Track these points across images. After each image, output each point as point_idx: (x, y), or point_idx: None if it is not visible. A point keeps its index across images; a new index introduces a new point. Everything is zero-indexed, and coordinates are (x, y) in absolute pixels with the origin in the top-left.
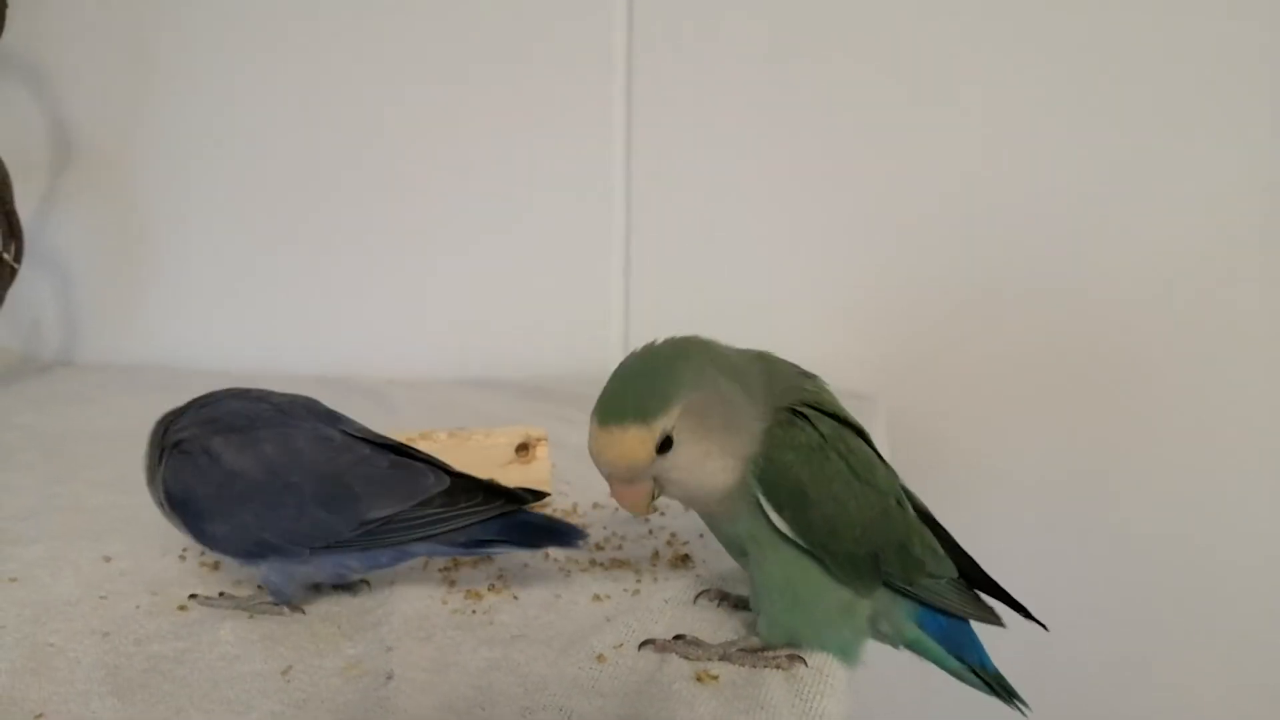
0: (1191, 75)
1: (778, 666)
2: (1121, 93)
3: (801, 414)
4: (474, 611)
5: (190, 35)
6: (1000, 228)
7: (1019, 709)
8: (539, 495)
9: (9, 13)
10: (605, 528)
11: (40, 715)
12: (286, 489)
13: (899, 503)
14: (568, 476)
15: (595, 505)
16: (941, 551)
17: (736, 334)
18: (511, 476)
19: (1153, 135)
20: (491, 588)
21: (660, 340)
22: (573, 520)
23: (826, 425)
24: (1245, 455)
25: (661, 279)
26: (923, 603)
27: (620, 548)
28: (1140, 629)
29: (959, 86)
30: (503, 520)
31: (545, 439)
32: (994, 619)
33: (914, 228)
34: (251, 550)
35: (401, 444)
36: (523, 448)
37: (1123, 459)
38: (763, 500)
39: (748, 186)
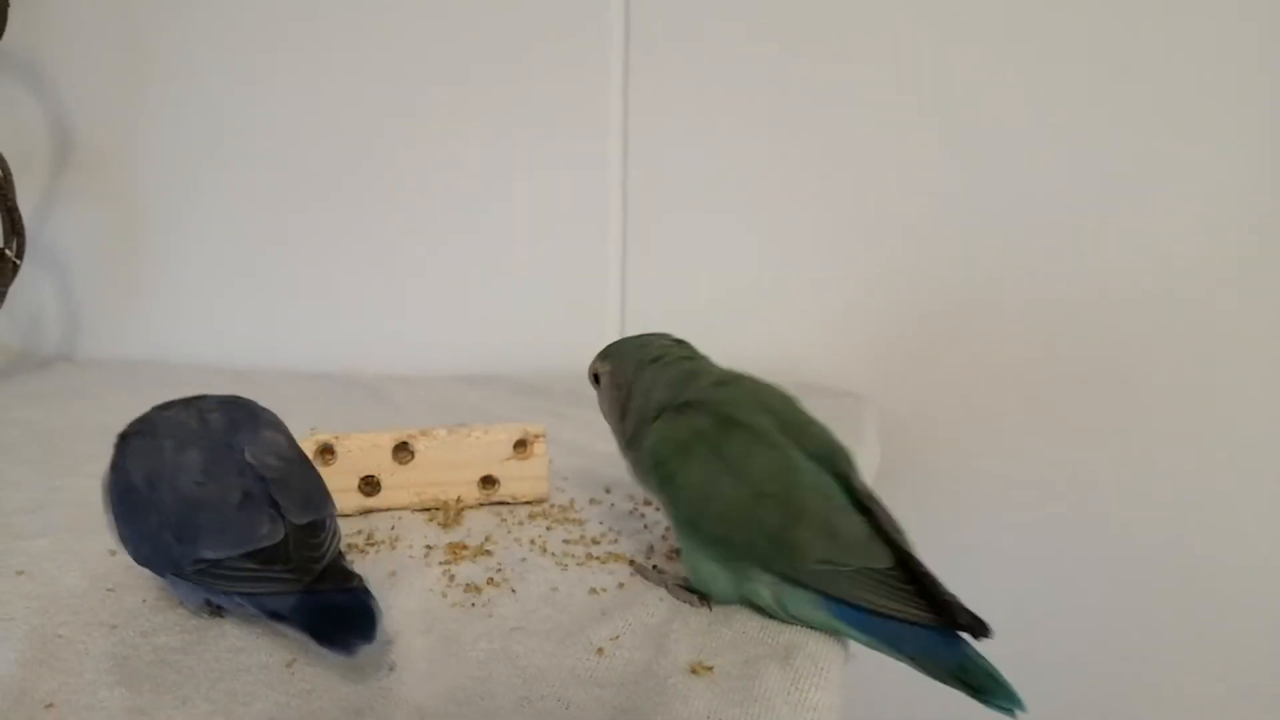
0: (1188, 78)
1: (690, 604)
2: (1116, 95)
3: (688, 405)
4: (473, 604)
5: (189, 34)
6: (993, 230)
7: (999, 708)
8: (347, 575)
9: (9, 12)
10: (602, 523)
11: (50, 705)
12: (153, 508)
13: (785, 488)
14: (565, 472)
15: (592, 501)
16: (858, 540)
17: (729, 332)
18: (510, 472)
19: (1148, 138)
20: (490, 581)
21: (673, 335)
22: (570, 515)
23: (704, 420)
24: (1238, 457)
25: (657, 279)
26: (821, 592)
27: (616, 541)
28: (1131, 629)
29: (953, 89)
30: (301, 598)
31: (543, 435)
32: (913, 615)
33: (908, 230)
34: (140, 560)
35: (275, 478)
36: (521, 444)
37: (1114, 459)
38: (651, 482)
39: (743, 188)
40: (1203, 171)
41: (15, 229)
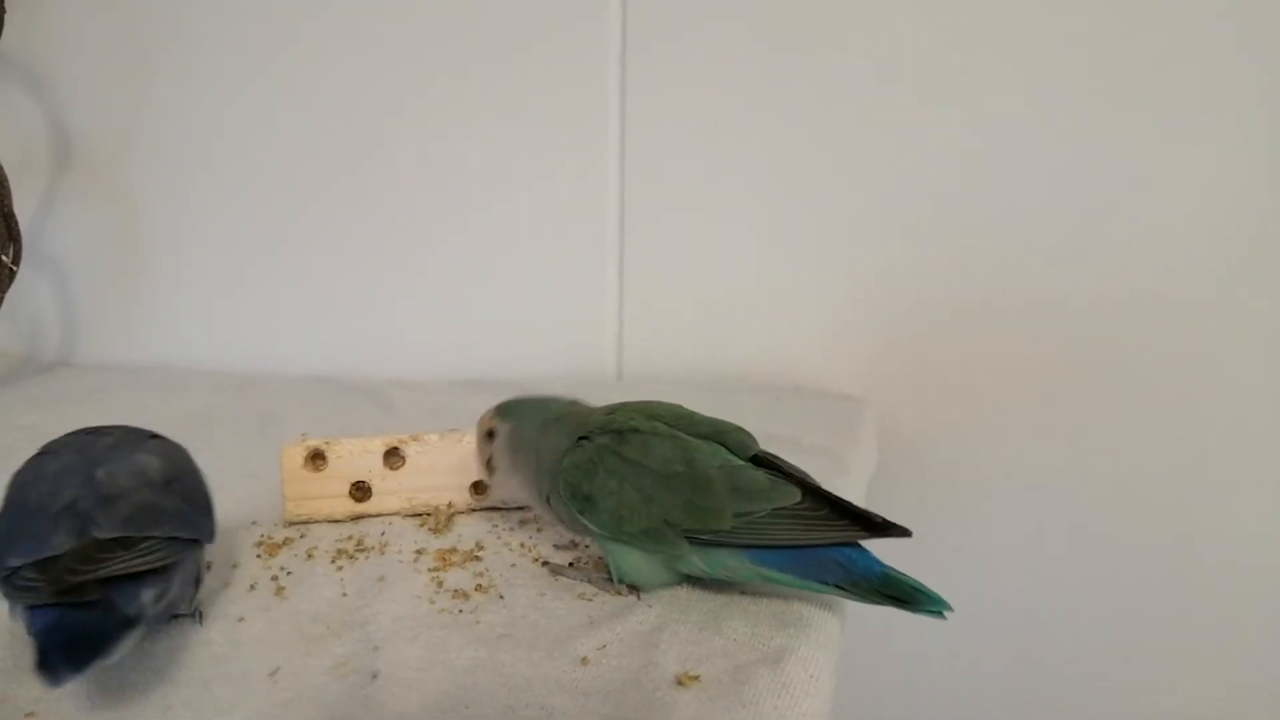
0: (1186, 80)
1: (618, 593)
2: (1113, 98)
3: (586, 438)
4: (460, 611)
5: (188, 38)
6: (991, 233)
7: (927, 613)
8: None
9: (7, 16)
10: None
11: (31, 714)
12: (2, 517)
13: (687, 465)
14: None
15: None
16: (764, 487)
17: (727, 335)
18: None
19: (1146, 140)
20: (478, 587)
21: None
22: None
23: (602, 439)
24: (1237, 458)
25: (655, 283)
26: (741, 546)
27: None
28: (1130, 629)
29: (951, 93)
30: (56, 614)
31: None
32: (831, 538)
33: (906, 233)
34: None
35: (109, 494)
36: None
37: (1112, 461)
38: (574, 511)
39: (740, 190)
40: (1201, 173)
41: (12, 235)
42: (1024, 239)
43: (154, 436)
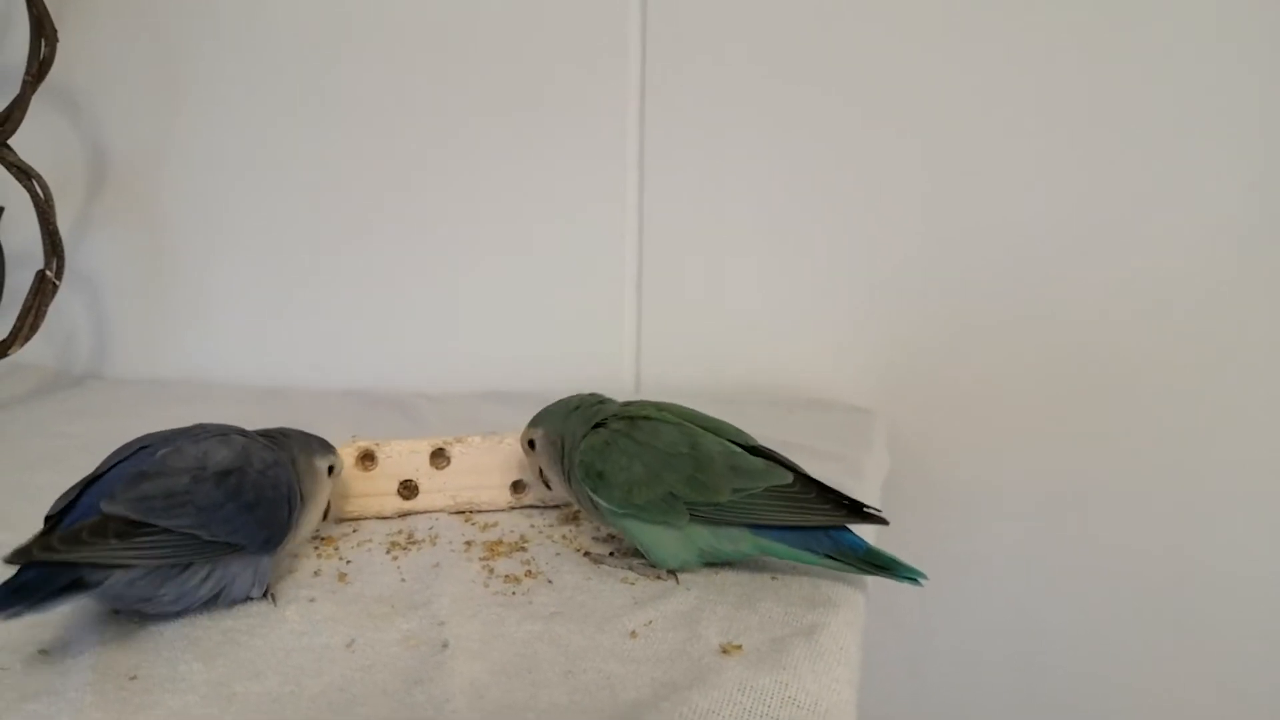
0: (1184, 99)
1: (658, 578)
2: (1114, 117)
3: (602, 424)
4: (513, 593)
5: (221, 63)
6: (993, 250)
7: (905, 579)
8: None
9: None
10: None
11: (134, 677)
12: None
13: (691, 448)
14: None
15: None
16: (759, 468)
17: (744, 351)
18: None
19: (1146, 156)
20: (528, 573)
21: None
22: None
23: (615, 424)
24: (1236, 468)
25: (672, 302)
26: (745, 524)
27: None
28: (1131, 636)
29: (957, 116)
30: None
31: None
32: (823, 522)
33: (912, 252)
34: None
35: (138, 470)
36: None
37: (1114, 471)
38: (589, 492)
39: (754, 212)
40: (1199, 190)
41: (55, 250)
42: (1027, 255)
43: (255, 434)
